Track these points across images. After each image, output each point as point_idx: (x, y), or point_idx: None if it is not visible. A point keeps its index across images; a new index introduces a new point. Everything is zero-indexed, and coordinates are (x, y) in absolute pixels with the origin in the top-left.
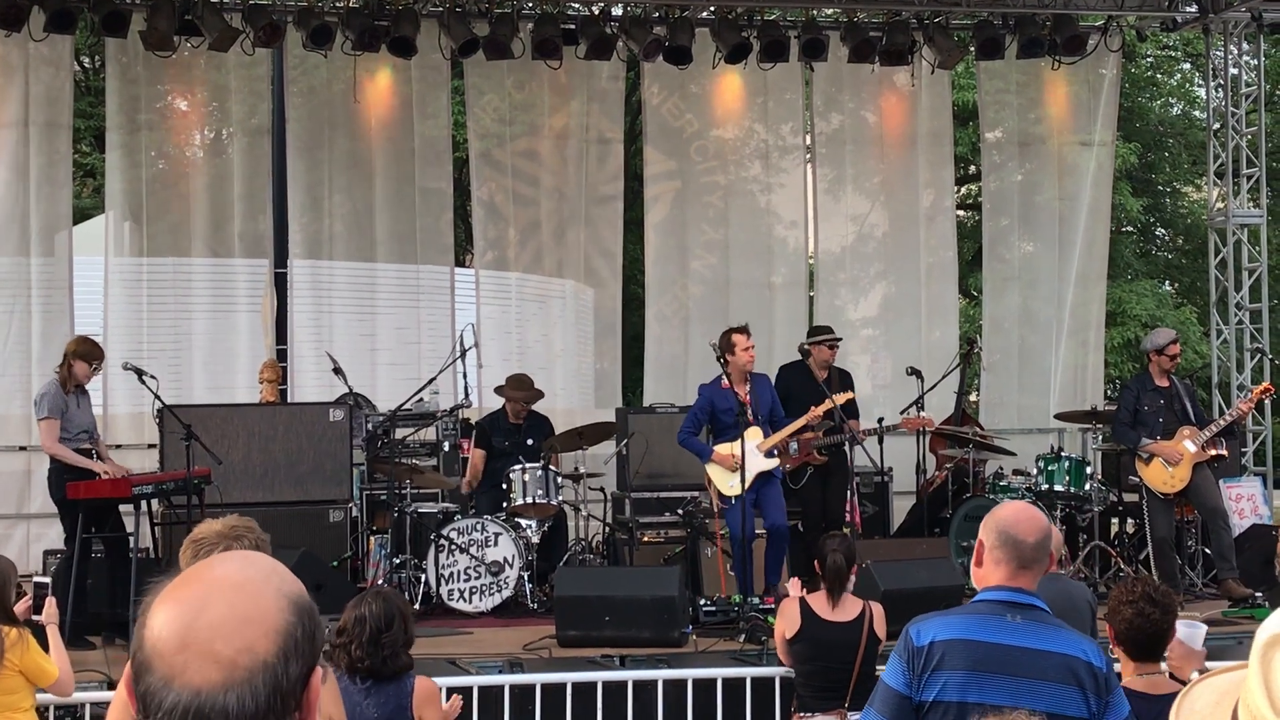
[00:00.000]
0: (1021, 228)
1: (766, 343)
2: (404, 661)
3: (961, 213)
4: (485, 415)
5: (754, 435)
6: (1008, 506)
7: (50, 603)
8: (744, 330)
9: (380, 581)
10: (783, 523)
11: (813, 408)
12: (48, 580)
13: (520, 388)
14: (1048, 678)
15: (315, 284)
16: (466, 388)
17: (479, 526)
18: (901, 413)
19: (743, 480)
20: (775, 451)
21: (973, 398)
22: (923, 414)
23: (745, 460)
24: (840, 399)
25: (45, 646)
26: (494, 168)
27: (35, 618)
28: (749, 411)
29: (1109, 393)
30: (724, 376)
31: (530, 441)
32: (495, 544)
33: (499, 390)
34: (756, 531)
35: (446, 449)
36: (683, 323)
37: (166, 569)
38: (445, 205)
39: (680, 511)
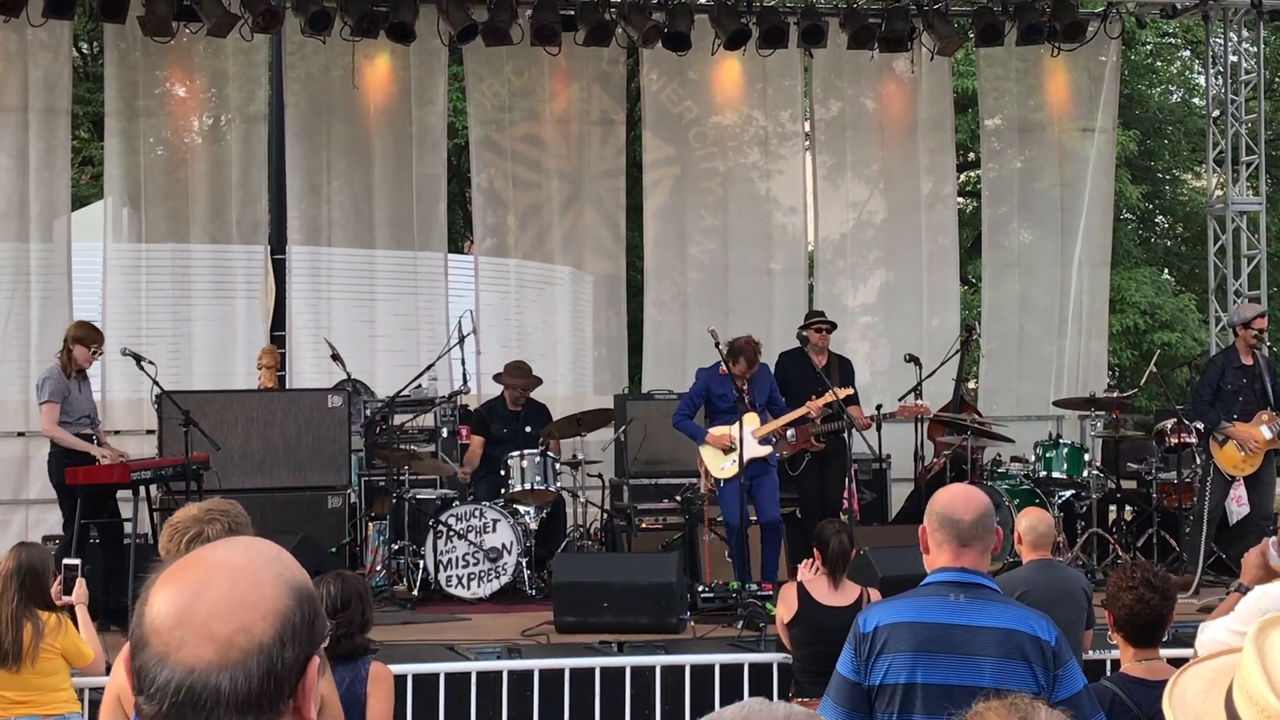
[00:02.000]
0: (1021, 215)
1: (765, 329)
2: (359, 642)
3: (961, 200)
4: (484, 402)
5: (751, 421)
6: (945, 490)
7: (80, 584)
8: (738, 358)
9: (379, 568)
10: (776, 517)
11: (812, 399)
12: (76, 562)
13: (519, 375)
14: (990, 653)
15: (314, 270)
16: (465, 374)
17: (477, 513)
18: (900, 400)
19: (740, 462)
20: (772, 439)
21: (971, 385)
22: (919, 402)
23: (740, 443)
24: (842, 393)
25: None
26: (494, 152)
27: (65, 598)
28: (746, 398)
29: (1110, 380)
30: (724, 363)
31: (529, 428)
32: (494, 530)
33: (498, 377)
34: (752, 519)
35: (445, 435)
36: (681, 309)
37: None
38: (442, 192)
39: (678, 498)
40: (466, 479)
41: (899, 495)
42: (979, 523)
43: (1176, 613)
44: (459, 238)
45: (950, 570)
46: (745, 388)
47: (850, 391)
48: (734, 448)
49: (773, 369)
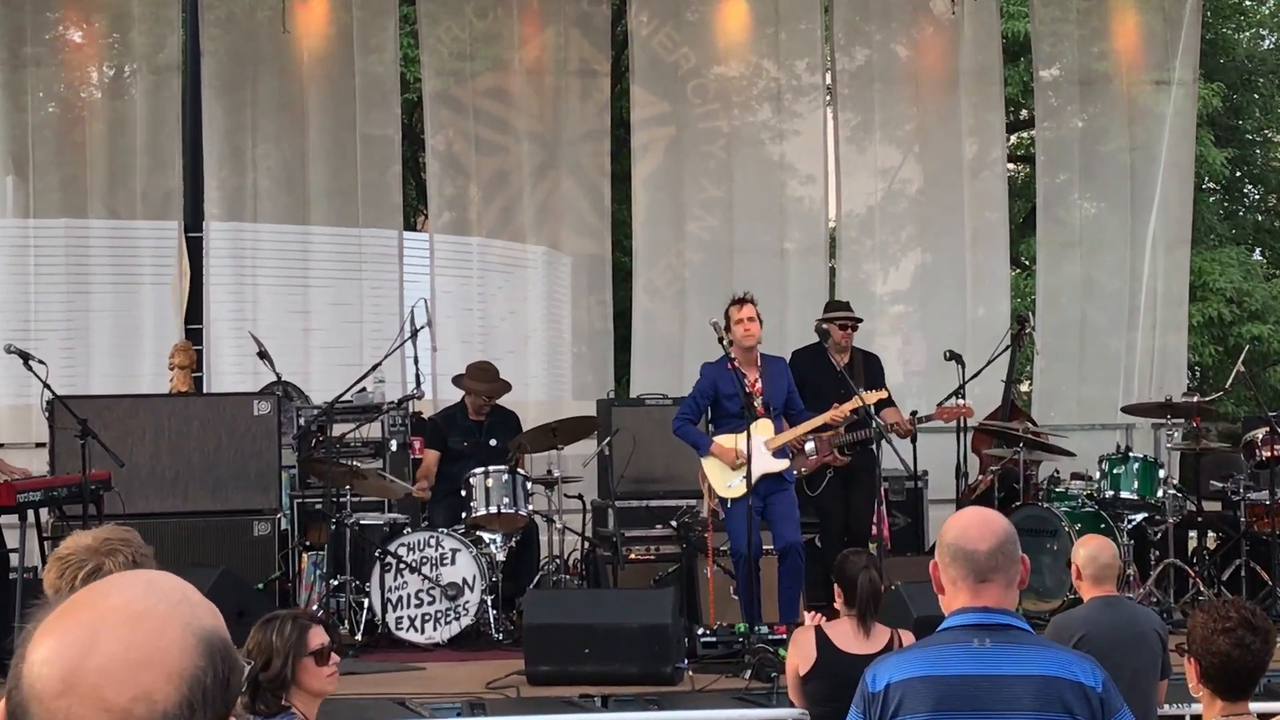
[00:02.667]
0: (1083, 184)
1: (778, 322)
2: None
3: (1012, 166)
4: (440, 410)
5: (763, 429)
6: (956, 517)
7: None
8: (743, 300)
9: (315, 607)
10: (797, 539)
11: (836, 404)
12: None
13: (483, 379)
14: (1025, 707)
15: (236, 251)
16: (418, 375)
17: (433, 542)
18: (939, 405)
19: (748, 480)
20: (789, 452)
21: (1024, 387)
22: (961, 401)
23: (750, 457)
24: (870, 398)
25: None
26: (453, 109)
27: None
28: (759, 400)
29: (1190, 381)
30: (729, 359)
31: (494, 441)
32: (452, 562)
33: (458, 381)
34: (764, 548)
35: (394, 449)
36: (677, 297)
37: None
38: (393, 156)
39: (674, 523)
40: (426, 495)
41: (937, 519)
42: (998, 551)
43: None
44: (411, 212)
45: (971, 611)
46: (758, 386)
47: (884, 394)
48: (744, 462)
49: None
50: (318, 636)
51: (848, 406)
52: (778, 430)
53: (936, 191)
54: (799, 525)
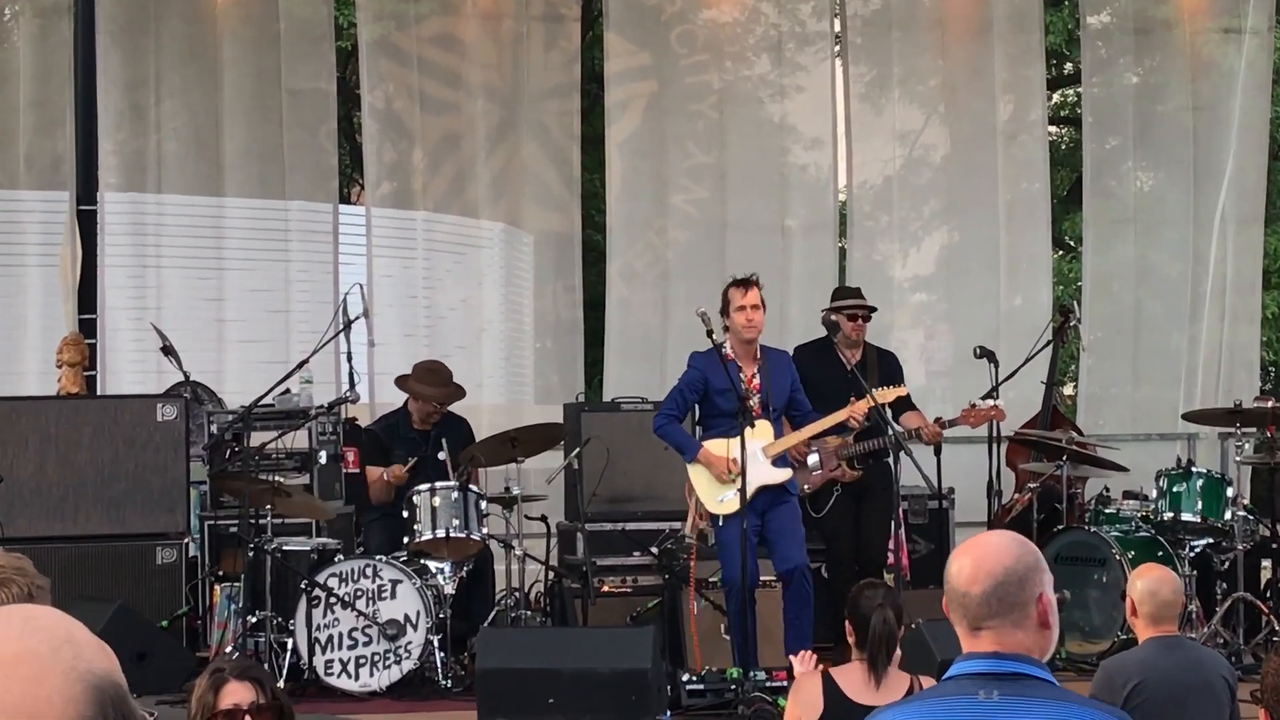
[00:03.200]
0: (1139, 150)
1: (778, 312)
2: None
3: (1054, 129)
4: (380, 417)
5: (761, 434)
6: (960, 547)
7: None
8: (747, 283)
9: (229, 649)
10: (804, 560)
11: (852, 401)
12: None
13: (434, 382)
14: None
15: (137, 227)
16: (352, 375)
17: (369, 571)
18: (966, 407)
19: (742, 494)
20: (791, 462)
21: (1068, 390)
22: (993, 402)
23: (744, 466)
24: (888, 395)
25: None
26: (394, 60)
27: None
28: (756, 399)
29: (1264, 383)
30: (720, 350)
31: (442, 454)
32: (392, 596)
33: (403, 383)
34: (762, 578)
35: (324, 461)
36: (659, 282)
37: None
38: (326, 113)
39: (655, 549)
40: (402, 476)
41: None
42: (992, 597)
43: None
44: (345, 182)
45: (980, 658)
46: (756, 382)
47: (903, 392)
48: (738, 473)
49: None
50: (231, 695)
51: (864, 404)
52: (778, 434)
53: (965, 159)
54: (804, 544)
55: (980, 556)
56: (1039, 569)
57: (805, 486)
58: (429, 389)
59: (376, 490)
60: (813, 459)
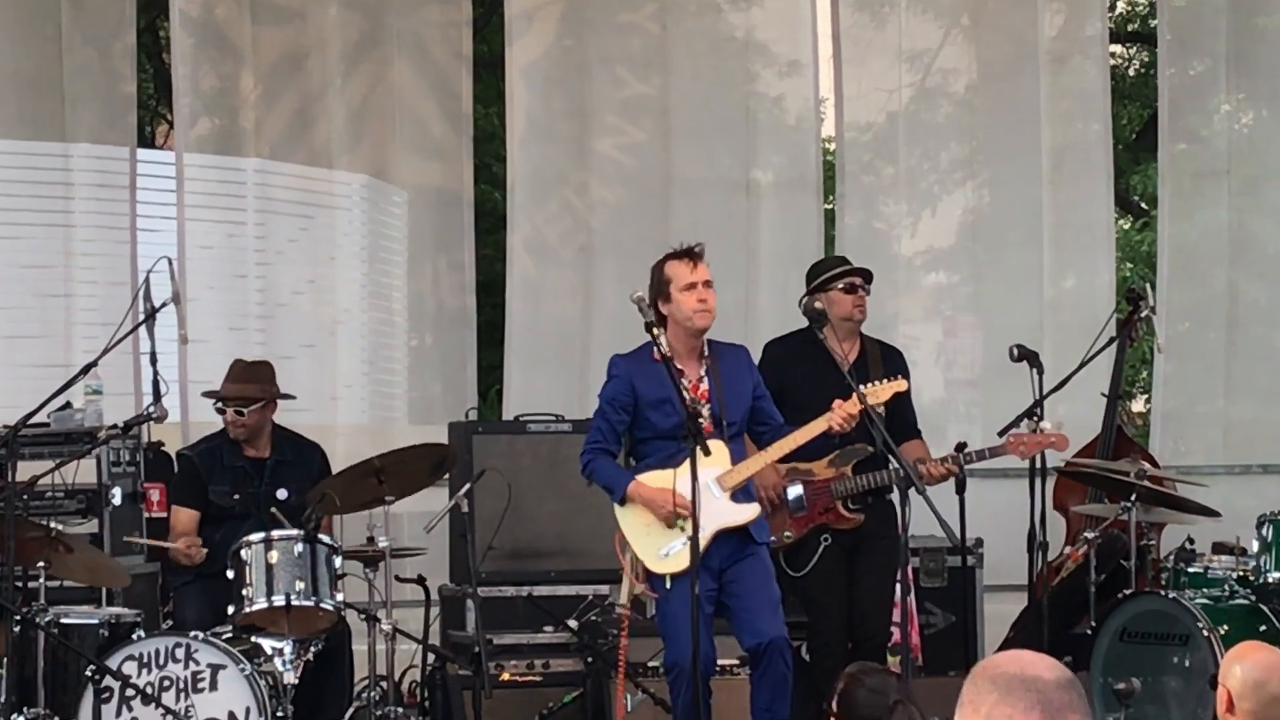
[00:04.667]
0: (1234, 77)
1: (742, 296)
2: None
3: (1118, 50)
4: (197, 442)
5: (714, 460)
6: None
7: None
8: (692, 254)
9: None
10: (779, 635)
11: (837, 404)
12: None
13: (249, 378)
14: None
15: None
16: (157, 383)
17: (180, 653)
18: (1004, 430)
19: (693, 544)
20: (763, 500)
21: (1138, 406)
22: (1044, 426)
23: (695, 505)
24: (884, 391)
25: None
26: None
27: None
28: (707, 411)
29: None
30: (656, 345)
31: (283, 491)
32: (212, 687)
33: (212, 393)
34: (720, 661)
35: (117, 502)
36: (580, 258)
37: None
38: (121, 25)
39: (574, 622)
40: (197, 555)
41: (998, 616)
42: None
43: None
44: (149, 119)
45: None
46: (703, 389)
47: (902, 386)
48: (686, 515)
49: (759, 364)
50: None
51: (848, 407)
52: (737, 458)
53: (998, 89)
54: (780, 610)
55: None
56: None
57: (786, 534)
58: (240, 385)
59: (176, 556)
60: (794, 492)
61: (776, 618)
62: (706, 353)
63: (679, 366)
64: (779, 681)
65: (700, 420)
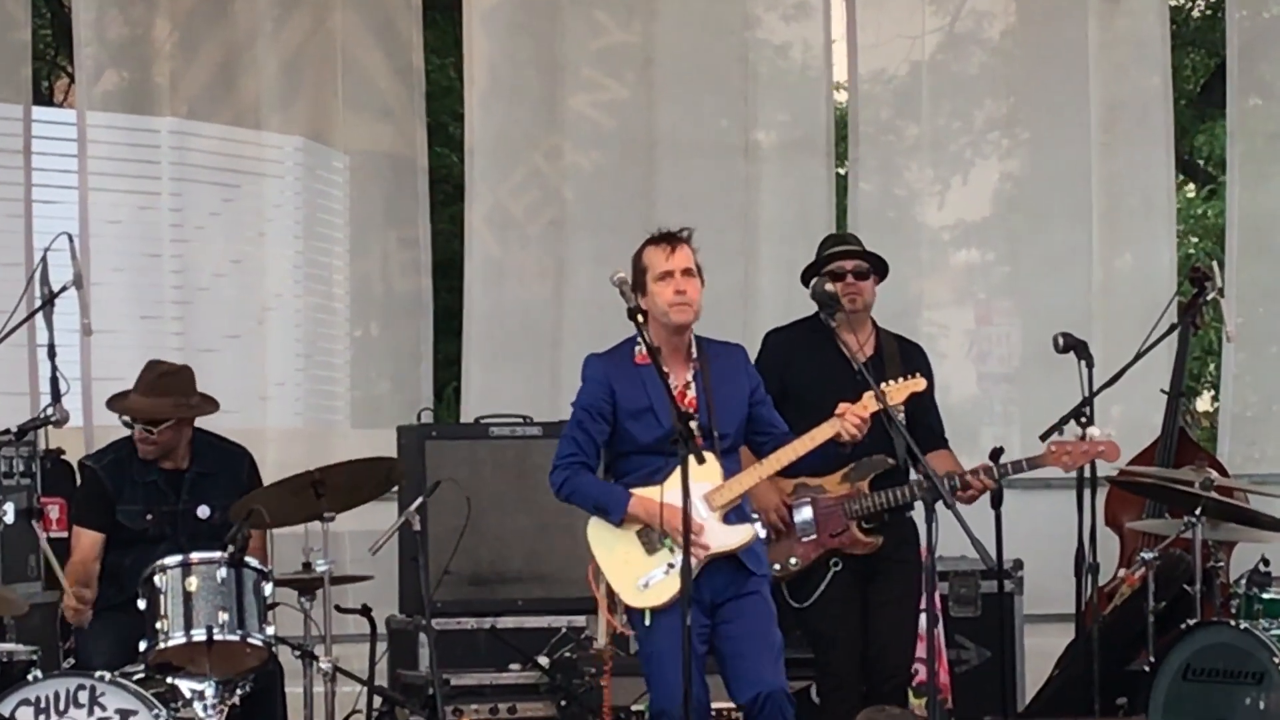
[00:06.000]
0: None
1: (741, 276)
2: None
3: None
4: (102, 449)
5: (704, 475)
6: None
7: None
8: (671, 239)
9: None
10: (779, 685)
11: (844, 408)
12: None
13: (162, 390)
14: None
15: None
16: (55, 381)
17: (84, 696)
18: (1046, 435)
19: (684, 571)
20: (754, 514)
21: (1204, 404)
22: (1094, 433)
23: (686, 519)
24: (898, 392)
25: None
26: None
27: None
28: (696, 420)
29: None
30: (638, 343)
31: (204, 508)
32: None
33: (118, 401)
34: (715, 706)
35: (9, 520)
36: (551, 233)
37: None
38: None
39: (544, 658)
40: (85, 611)
41: (1041, 651)
42: None
43: None
44: (47, 72)
45: None
46: (691, 396)
47: (920, 385)
48: (667, 542)
49: (757, 359)
50: None
51: (860, 408)
52: (729, 473)
53: (1039, 35)
54: (781, 657)
55: None
56: None
57: (791, 561)
58: (150, 399)
59: (65, 606)
60: (802, 515)
61: (777, 666)
62: (695, 353)
63: (666, 368)
64: None
65: (691, 431)
